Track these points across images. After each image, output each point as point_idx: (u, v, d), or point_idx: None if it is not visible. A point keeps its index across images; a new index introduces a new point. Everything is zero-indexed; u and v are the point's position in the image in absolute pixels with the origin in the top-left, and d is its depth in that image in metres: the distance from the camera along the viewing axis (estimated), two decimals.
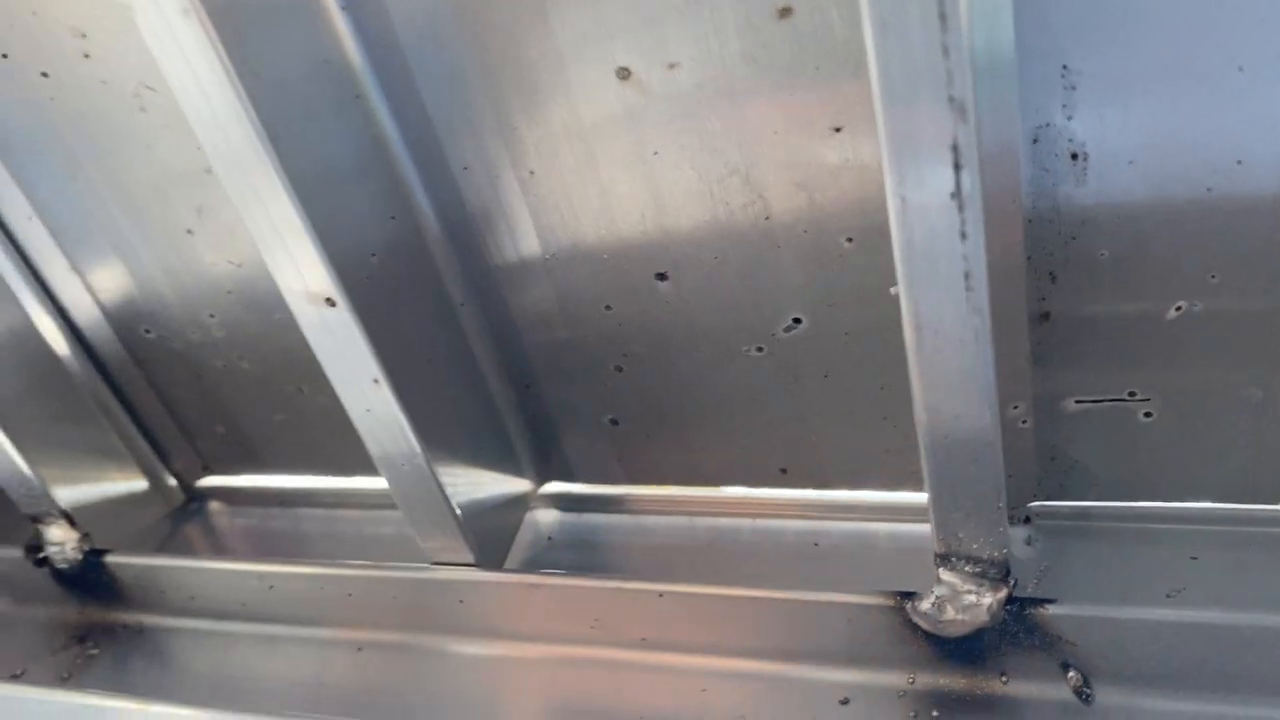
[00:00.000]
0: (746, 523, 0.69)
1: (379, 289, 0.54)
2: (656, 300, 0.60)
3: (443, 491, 0.61)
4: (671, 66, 0.50)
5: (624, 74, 0.51)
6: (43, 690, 0.62)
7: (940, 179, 0.39)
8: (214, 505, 0.82)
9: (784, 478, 0.66)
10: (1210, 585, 0.56)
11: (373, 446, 0.58)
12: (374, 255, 0.55)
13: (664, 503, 0.71)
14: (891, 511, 0.65)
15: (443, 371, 0.60)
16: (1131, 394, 0.56)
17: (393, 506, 0.75)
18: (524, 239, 0.59)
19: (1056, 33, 0.45)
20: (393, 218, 0.57)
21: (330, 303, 0.52)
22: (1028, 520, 0.62)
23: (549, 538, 0.72)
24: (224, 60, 0.45)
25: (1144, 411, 0.56)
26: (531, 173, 0.56)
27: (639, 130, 0.53)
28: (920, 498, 0.64)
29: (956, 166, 0.39)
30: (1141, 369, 0.55)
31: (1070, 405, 0.57)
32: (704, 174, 0.53)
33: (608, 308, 0.61)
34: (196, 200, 0.64)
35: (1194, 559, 0.58)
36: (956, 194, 0.40)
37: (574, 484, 0.72)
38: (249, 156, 0.48)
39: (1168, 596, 0.55)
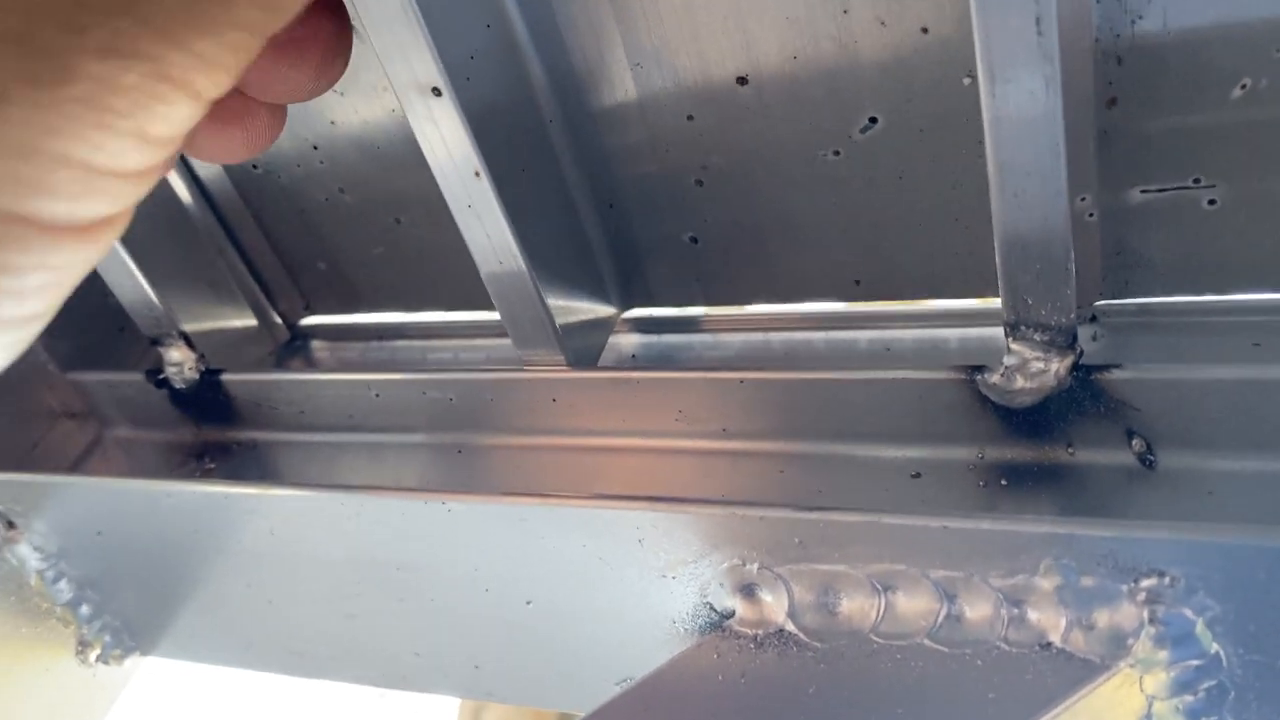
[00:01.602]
0: (820, 335, 0.72)
1: (477, 87, 0.58)
2: (737, 106, 0.63)
3: (540, 297, 0.65)
4: None
5: None
6: (183, 484, 0.68)
7: None
8: (316, 343, 0.87)
9: (858, 289, 0.69)
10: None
11: (473, 241, 0.62)
12: (473, 58, 0.59)
13: (740, 321, 0.74)
14: (962, 318, 0.68)
15: (534, 179, 0.64)
16: (1196, 181, 0.58)
17: (484, 335, 0.80)
18: (609, 47, 0.62)
19: None
20: (488, 26, 0.60)
21: (436, 92, 0.56)
22: (1094, 319, 0.64)
23: (633, 356, 0.76)
24: None
25: (1208, 199, 0.58)
26: None
27: None
28: (991, 304, 0.67)
29: None
30: (1206, 154, 0.57)
31: (1135, 196, 0.59)
32: None
33: (690, 118, 0.64)
34: None
35: (1256, 345, 0.60)
36: None
37: (655, 308, 0.76)
38: None
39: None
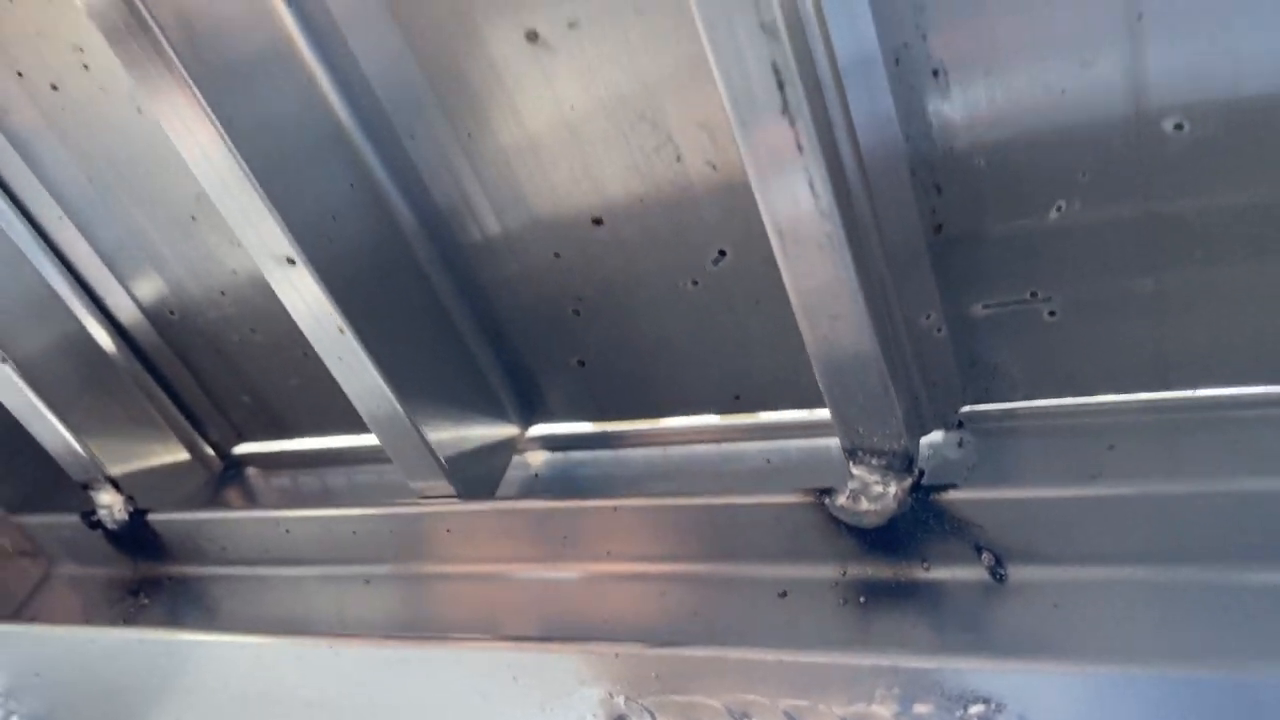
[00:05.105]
0: (713, 447, 0.74)
1: (338, 245, 0.61)
2: (597, 244, 0.65)
3: (420, 434, 0.67)
4: (571, 25, 0.56)
5: (532, 36, 0.57)
6: (106, 630, 0.71)
7: (769, 96, 0.44)
8: (250, 470, 0.91)
9: (738, 403, 0.71)
10: (1124, 469, 0.60)
11: (349, 389, 0.65)
12: (334, 218, 0.62)
13: (637, 436, 0.76)
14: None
15: (413, 325, 0.67)
16: (1033, 294, 0.59)
17: None
18: (472, 193, 0.65)
19: None
20: (351, 185, 0.64)
21: (290, 261, 0.59)
22: (960, 425, 0.66)
23: (536, 475, 0.78)
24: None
25: (1048, 310, 0.60)
26: (469, 135, 0.63)
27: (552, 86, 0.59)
28: None
29: (780, 85, 0.44)
30: (1037, 269, 0.58)
31: (979, 311, 0.61)
32: (616, 122, 0.59)
33: (557, 255, 0.67)
34: (194, 187, 0.72)
35: (1111, 448, 0.62)
36: (785, 110, 0.45)
37: (556, 424, 0.78)
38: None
39: (1090, 478, 0.59)
